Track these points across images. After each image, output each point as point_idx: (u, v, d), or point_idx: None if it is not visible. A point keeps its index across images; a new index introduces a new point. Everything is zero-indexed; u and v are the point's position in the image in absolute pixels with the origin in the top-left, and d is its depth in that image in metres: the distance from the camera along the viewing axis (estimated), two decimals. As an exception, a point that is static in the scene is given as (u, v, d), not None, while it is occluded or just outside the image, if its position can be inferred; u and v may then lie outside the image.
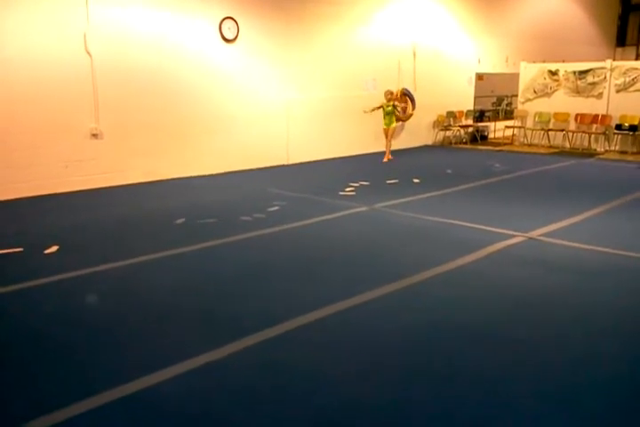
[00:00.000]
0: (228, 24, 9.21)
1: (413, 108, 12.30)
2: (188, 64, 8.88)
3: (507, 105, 15.09)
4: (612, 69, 11.72)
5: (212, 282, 4.51)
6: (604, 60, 12.20)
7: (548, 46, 15.07)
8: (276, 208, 6.88)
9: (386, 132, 10.74)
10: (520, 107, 13.08)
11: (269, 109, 9.97)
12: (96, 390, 2.93)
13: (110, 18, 7.95)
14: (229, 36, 9.26)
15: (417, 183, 8.48)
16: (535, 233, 5.74)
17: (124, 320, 3.81)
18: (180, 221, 6.29)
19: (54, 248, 5.27)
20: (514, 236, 5.65)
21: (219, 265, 4.89)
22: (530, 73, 12.79)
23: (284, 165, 10.17)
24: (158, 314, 3.91)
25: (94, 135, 8.05)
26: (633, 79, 11.48)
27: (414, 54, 12.27)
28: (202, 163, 9.20)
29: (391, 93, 10.62)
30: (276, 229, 5.99)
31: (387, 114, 10.55)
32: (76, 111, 7.85)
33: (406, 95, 12.17)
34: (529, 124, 12.84)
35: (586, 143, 12.10)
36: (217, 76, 9.22)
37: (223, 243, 5.50)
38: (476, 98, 14.01)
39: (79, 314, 3.91)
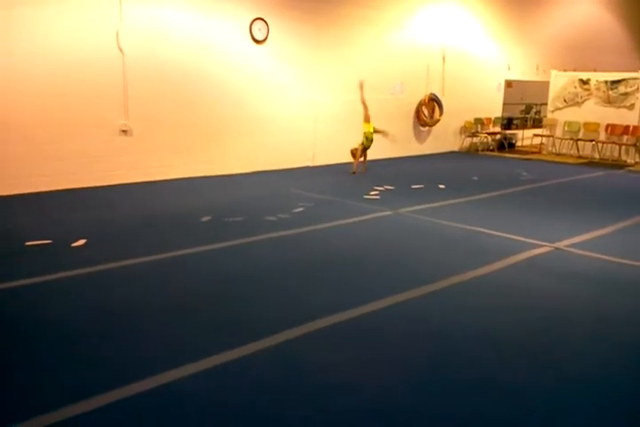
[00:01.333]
0: (258, 25, 9.26)
1: (441, 113, 12.24)
2: (218, 63, 8.95)
3: (535, 113, 14.95)
4: (645, 80, 11.54)
5: (234, 281, 4.52)
6: (636, 71, 12.02)
7: (578, 55, 14.89)
8: (301, 209, 6.88)
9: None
10: (549, 115, 12.93)
11: (296, 110, 10.00)
12: (114, 385, 2.95)
13: (143, 16, 8.04)
14: (259, 36, 9.31)
15: (442, 189, 8.43)
16: (562, 244, 5.66)
17: (144, 315, 3.84)
18: (205, 218, 6.33)
19: (82, 242, 5.33)
20: (540, 245, 5.58)
21: (243, 264, 4.91)
22: (560, 81, 12.65)
23: (309, 167, 10.18)
24: (180, 310, 3.93)
25: (124, 131, 8.15)
26: (666, 91, 11.29)
27: (443, 59, 12.21)
28: (228, 162, 9.26)
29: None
30: (300, 230, 6.00)
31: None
32: (106, 107, 7.95)
33: (434, 100, 12.12)
34: (558, 133, 12.69)
35: (616, 154, 11.92)
36: (246, 76, 9.27)
37: (248, 242, 5.52)
38: (504, 105, 13.91)
39: (105, 306, 3.95)
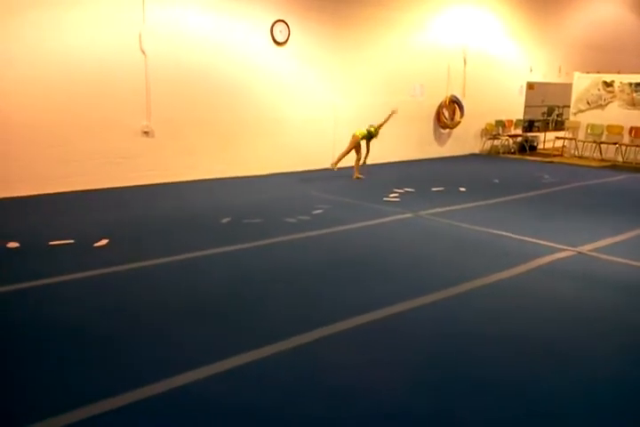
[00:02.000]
0: (279, 27, 9.28)
1: (462, 115, 12.16)
2: (239, 65, 8.99)
3: (557, 116, 14.78)
4: (670, 82, 11.36)
5: (254, 282, 4.53)
6: (662, 73, 11.85)
7: (602, 57, 14.70)
8: (321, 211, 6.88)
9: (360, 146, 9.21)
10: (572, 118, 12.78)
11: (317, 113, 10.00)
12: (129, 386, 2.97)
13: (166, 18, 8.11)
14: (280, 38, 9.33)
15: (463, 192, 8.37)
16: (585, 248, 5.59)
17: (165, 315, 3.86)
18: (225, 220, 6.35)
19: (104, 242, 5.39)
20: (562, 250, 5.52)
21: (262, 265, 4.92)
22: (583, 84, 12.50)
23: (328, 169, 10.16)
24: (199, 311, 3.94)
25: (145, 133, 8.22)
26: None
27: (464, 61, 12.13)
28: (248, 163, 9.29)
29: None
30: (320, 232, 5.99)
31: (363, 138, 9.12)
32: (128, 109, 8.03)
33: (455, 102, 12.04)
34: (580, 135, 12.54)
35: (640, 157, 11.76)
36: (266, 78, 9.30)
37: (267, 244, 5.53)
38: (525, 107, 13.77)
39: (126, 307, 3.98)
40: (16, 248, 5.17)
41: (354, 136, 9.06)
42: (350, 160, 10.56)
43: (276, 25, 9.23)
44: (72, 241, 5.39)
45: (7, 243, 5.25)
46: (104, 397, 2.85)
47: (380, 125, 9.13)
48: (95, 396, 2.86)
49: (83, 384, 2.99)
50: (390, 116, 9.07)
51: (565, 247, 5.58)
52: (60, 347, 3.40)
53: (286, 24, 9.33)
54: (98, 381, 3.03)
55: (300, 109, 9.77)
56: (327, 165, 10.18)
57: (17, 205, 6.88)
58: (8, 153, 7.16)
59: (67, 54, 7.40)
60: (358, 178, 9.18)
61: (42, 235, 5.54)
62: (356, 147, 9.10)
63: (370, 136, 9.13)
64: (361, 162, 9.19)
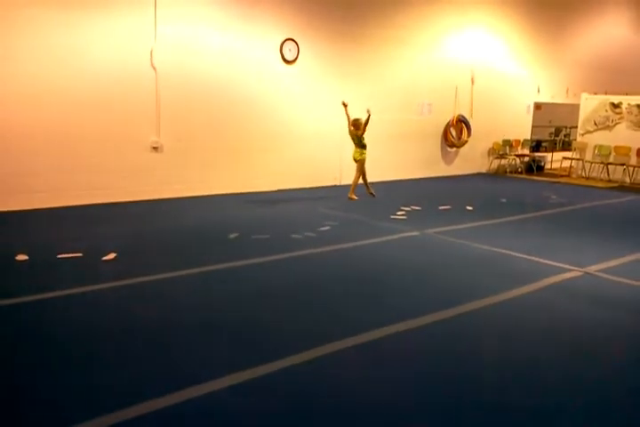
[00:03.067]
0: (288, 45, 9.40)
1: (469, 134, 12.22)
2: (248, 83, 9.09)
3: (565, 136, 14.85)
4: (678, 104, 11.40)
5: (260, 297, 4.53)
6: (669, 95, 11.89)
7: (610, 78, 14.77)
8: (327, 228, 6.89)
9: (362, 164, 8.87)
10: (579, 138, 12.81)
11: (324, 130, 10.06)
12: (135, 400, 2.97)
13: (176, 35, 8.23)
14: (289, 57, 9.45)
15: (470, 211, 8.37)
16: (592, 268, 5.56)
17: (171, 329, 3.86)
18: (233, 235, 6.37)
19: (112, 255, 5.41)
20: (569, 270, 5.49)
21: (269, 281, 4.92)
22: (591, 104, 12.54)
23: (335, 186, 10.21)
24: (206, 326, 3.94)
25: (155, 148, 8.29)
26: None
27: (472, 80, 12.22)
28: (256, 179, 9.34)
29: (355, 125, 8.71)
30: (326, 248, 6.00)
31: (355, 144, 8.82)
32: (139, 124, 8.12)
33: (462, 122, 12.11)
34: (588, 156, 12.55)
35: (647, 179, 11.75)
36: (275, 95, 9.39)
37: (274, 260, 5.54)
38: (533, 127, 13.84)
39: (134, 320, 3.98)
40: (24, 261, 5.19)
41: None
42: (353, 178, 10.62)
43: (285, 43, 9.35)
44: (80, 254, 5.41)
45: (16, 255, 5.28)
46: (109, 411, 2.84)
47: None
48: (100, 410, 2.85)
49: (88, 397, 2.99)
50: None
51: (573, 267, 5.56)
52: (65, 359, 3.40)
53: (295, 42, 9.45)
54: (102, 395, 3.02)
55: (307, 126, 9.84)
56: (334, 182, 10.25)
57: (26, 218, 6.93)
58: (19, 166, 7.23)
59: (79, 70, 7.51)
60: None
61: (51, 248, 5.57)
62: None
63: (363, 145, 8.78)
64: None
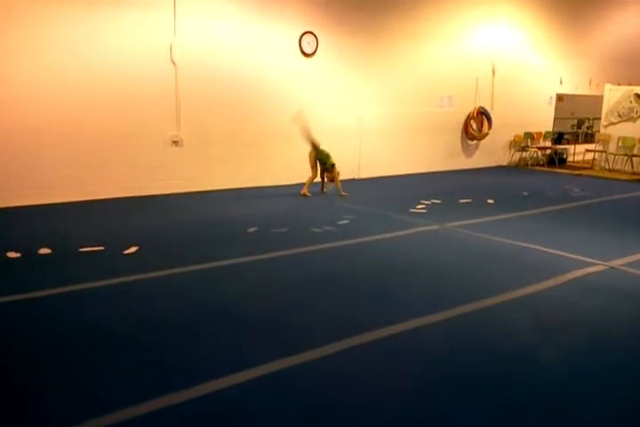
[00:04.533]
0: (307, 39, 9.36)
1: (489, 127, 12.08)
2: (267, 76, 9.06)
3: (587, 128, 14.61)
4: None
5: (277, 292, 4.53)
6: (696, 85, 11.63)
7: (634, 69, 14.50)
8: (346, 222, 6.87)
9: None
10: (602, 130, 12.59)
11: (343, 123, 10.02)
12: (155, 393, 2.99)
13: (196, 30, 8.23)
14: (308, 50, 9.40)
15: (491, 204, 8.29)
16: (616, 262, 5.47)
17: (190, 323, 3.87)
18: (252, 229, 6.38)
19: (133, 249, 5.45)
20: (593, 264, 5.41)
21: (288, 275, 4.92)
22: (615, 96, 12.31)
23: (354, 180, 10.18)
24: (228, 319, 3.95)
25: (175, 142, 8.32)
26: None
27: (493, 72, 12.07)
28: (275, 173, 9.33)
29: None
30: (346, 242, 5.98)
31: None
32: (159, 118, 8.15)
33: (483, 114, 11.97)
34: (611, 148, 12.33)
35: (672, 171, 11.52)
36: (294, 89, 9.36)
37: (294, 253, 5.54)
38: (555, 119, 13.64)
39: (154, 314, 4.01)
40: (47, 254, 5.26)
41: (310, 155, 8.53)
42: (372, 171, 10.59)
43: (304, 36, 9.31)
44: (102, 248, 5.46)
45: (39, 249, 5.34)
46: (131, 403, 2.87)
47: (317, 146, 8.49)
48: (121, 402, 2.88)
49: (110, 391, 3.02)
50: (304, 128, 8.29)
51: (596, 261, 5.48)
52: (83, 352, 3.44)
53: (314, 36, 9.40)
54: (125, 388, 3.05)
55: (327, 120, 9.79)
56: (352, 175, 10.21)
57: (48, 212, 7.01)
58: (40, 160, 7.31)
59: (100, 65, 7.55)
60: (305, 195, 8.53)
61: (72, 241, 5.63)
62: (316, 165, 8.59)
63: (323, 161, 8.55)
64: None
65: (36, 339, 3.60)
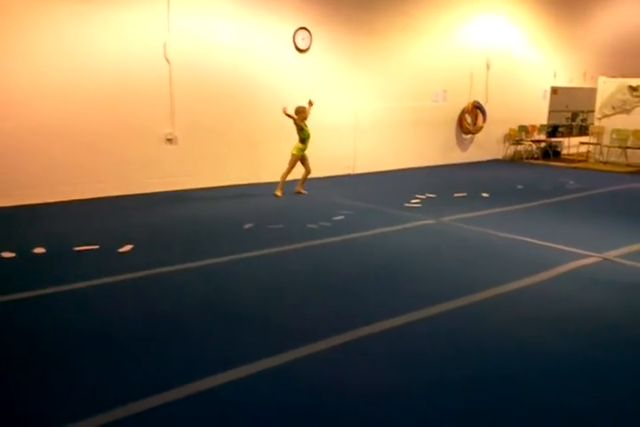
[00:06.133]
0: (302, 35, 9.34)
1: (484, 120, 12.10)
2: (261, 73, 9.06)
3: (582, 121, 14.63)
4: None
5: (274, 288, 4.54)
6: (689, 77, 11.65)
7: (628, 61, 14.52)
8: (342, 217, 6.88)
9: (297, 159, 8.25)
10: (596, 123, 12.62)
11: (338, 118, 10.02)
12: (153, 390, 3.00)
13: (190, 27, 8.21)
14: (302, 46, 9.39)
15: (486, 198, 8.30)
16: (610, 254, 5.50)
17: (188, 320, 3.88)
18: (248, 225, 6.39)
19: (128, 247, 5.45)
20: (588, 256, 5.44)
21: (284, 271, 4.93)
22: (609, 88, 12.34)
23: (349, 175, 10.18)
24: (223, 316, 3.96)
25: (169, 140, 8.31)
26: None
27: (487, 66, 12.08)
28: (269, 170, 9.31)
29: (303, 112, 8.12)
30: (341, 238, 5.99)
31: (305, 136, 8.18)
32: (153, 116, 8.14)
33: (477, 108, 11.99)
34: (605, 141, 12.37)
35: (667, 162, 11.56)
36: (288, 84, 9.35)
37: (290, 249, 5.54)
38: (549, 112, 13.66)
39: (151, 311, 4.02)
40: (42, 254, 5.25)
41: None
42: (367, 166, 10.59)
43: (298, 32, 9.29)
44: (97, 247, 5.46)
45: (34, 248, 5.34)
46: (130, 400, 2.88)
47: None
48: (120, 400, 2.89)
49: (102, 390, 3.03)
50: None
51: (591, 253, 5.50)
52: (81, 351, 3.44)
53: (309, 32, 9.39)
54: (121, 386, 3.05)
55: (321, 115, 9.77)
56: (348, 171, 10.22)
57: (42, 212, 7.00)
58: (34, 159, 7.29)
59: (93, 63, 7.53)
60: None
61: (67, 240, 5.63)
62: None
63: (302, 139, 8.23)
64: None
65: (31, 338, 3.61)
